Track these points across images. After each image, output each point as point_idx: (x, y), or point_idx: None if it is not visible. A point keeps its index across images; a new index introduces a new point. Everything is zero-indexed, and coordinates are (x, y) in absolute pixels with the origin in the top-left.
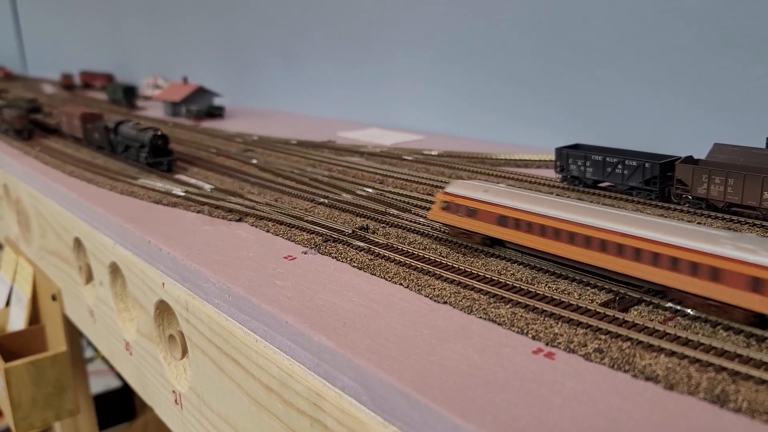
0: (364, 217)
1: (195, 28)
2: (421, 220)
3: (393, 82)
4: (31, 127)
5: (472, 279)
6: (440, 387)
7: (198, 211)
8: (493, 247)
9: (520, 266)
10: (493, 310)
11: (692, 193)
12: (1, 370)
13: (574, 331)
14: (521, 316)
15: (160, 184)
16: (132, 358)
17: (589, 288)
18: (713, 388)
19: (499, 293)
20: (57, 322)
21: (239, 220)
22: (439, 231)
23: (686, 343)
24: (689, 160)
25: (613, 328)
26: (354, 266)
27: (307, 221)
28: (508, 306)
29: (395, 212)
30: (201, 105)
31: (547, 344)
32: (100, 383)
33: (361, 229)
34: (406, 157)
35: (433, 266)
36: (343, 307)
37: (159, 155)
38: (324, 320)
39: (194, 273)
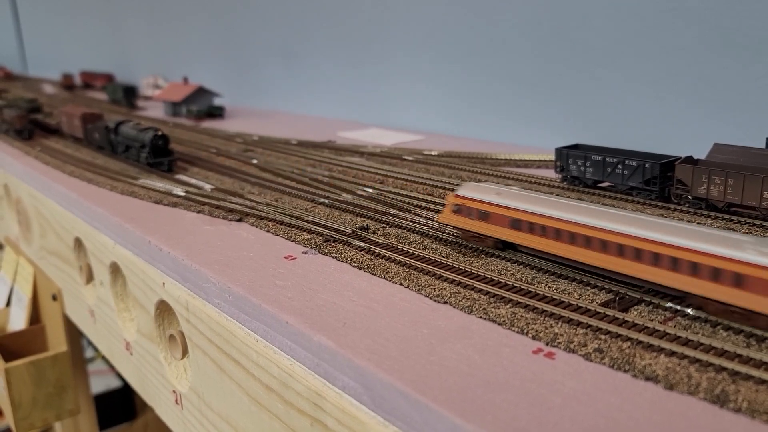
0: (364, 217)
1: (195, 28)
2: (421, 220)
3: (393, 82)
4: (32, 127)
5: (472, 279)
6: (440, 387)
7: (198, 211)
8: (505, 250)
9: (520, 266)
10: (493, 310)
11: (692, 193)
12: (1, 370)
13: (574, 331)
14: (521, 316)
15: (160, 184)
16: (132, 358)
17: (589, 288)
18: (713, 388)
19: (500, 293)
20: (57, 322)
21: (239, 220)
22: (439, 231)
23: (686, 343)
24: (689, 160)
25: (613, 328)
26: (354, 266)
27: (307, 221)
28: (508, 306)
29: (395, 212)
30: (201, 105)
31: (547, 344)
32: (100, 383)
33: (361, 229)
34: (406, 157)
35: (434, 266)
36: (343, 307)
37: (159, 155)
38: (324, 320)
39: (195, 273)
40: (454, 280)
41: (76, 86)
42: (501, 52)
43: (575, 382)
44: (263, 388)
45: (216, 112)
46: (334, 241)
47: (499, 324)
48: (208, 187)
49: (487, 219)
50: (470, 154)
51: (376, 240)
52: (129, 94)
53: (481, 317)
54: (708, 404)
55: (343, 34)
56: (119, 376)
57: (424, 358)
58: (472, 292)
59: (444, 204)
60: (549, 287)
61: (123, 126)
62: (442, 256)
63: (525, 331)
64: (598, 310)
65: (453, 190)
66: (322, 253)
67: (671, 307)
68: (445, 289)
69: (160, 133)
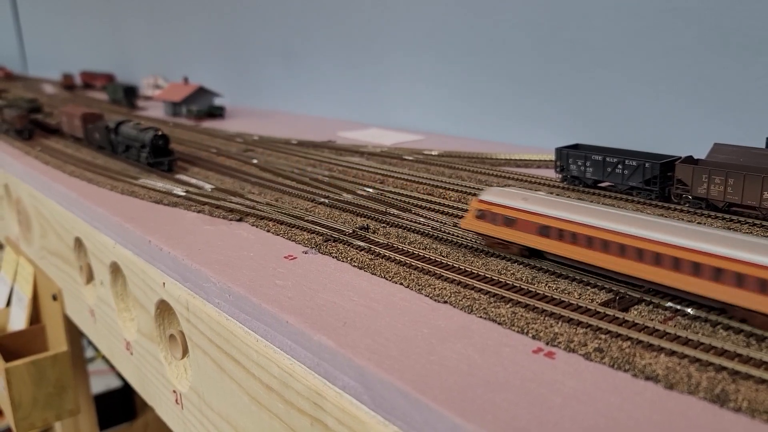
0: (364, 217)
1: (195, 28)
2: (421, 219)
3: (393, 82)
4: (32, 127)
5: (472, 279)
6: (440, 386)
7: (198, 211)
8: (531, 258)
9: (520, 266)
10: (493, 309)
11: (692, 193)
12: (1, 370)
13: (575, 330)
14: (521, 315)
15: (160, 184)
16: (132, 357)
17: (589, 287)
18: (713, 387)
19: (500, 293)
20: (58, 322)
21: (240, 219)
22: (439, 231)
23: (686, 342)
24: (689, 160)
25: (613, 327)
26: (354, 266)
27: (307, 221)
28: (508, 305)
29: (395, 212)
30: (201, 105)
31: (547, 344)
32: (100, 383)
33: (361, 229)
34: (406, 157)
35: (434, 266)
36: (343, 307)
37: (160, 155)
38: (324, 320)
39: (195, 273)
40: (454, 280)
41: (76, 86)
42: (501, 52)
43: (575, 381)
44: (263, 388)
45: (216, 112)
46: (334, 241)
47: (499, 323)
48: (208, 186)
49: (513, 225)
50: (470, 154)
51: (377, 240)
52: (129, 94)
53: (481, 317)
54: (708, 404)
55: (343, 34)
56: (119, 376)
57: (424, 358)
58: (472, 291)
59: (443, 202)
60: (549, 287)
61: (123, 126)
62: (443, 256)
63: (525, 330)
64: (598, 309)
65: (453, 190)
66: (322, 253)
67: (671, 307)
68: (445, 288)
69: (160, 133)
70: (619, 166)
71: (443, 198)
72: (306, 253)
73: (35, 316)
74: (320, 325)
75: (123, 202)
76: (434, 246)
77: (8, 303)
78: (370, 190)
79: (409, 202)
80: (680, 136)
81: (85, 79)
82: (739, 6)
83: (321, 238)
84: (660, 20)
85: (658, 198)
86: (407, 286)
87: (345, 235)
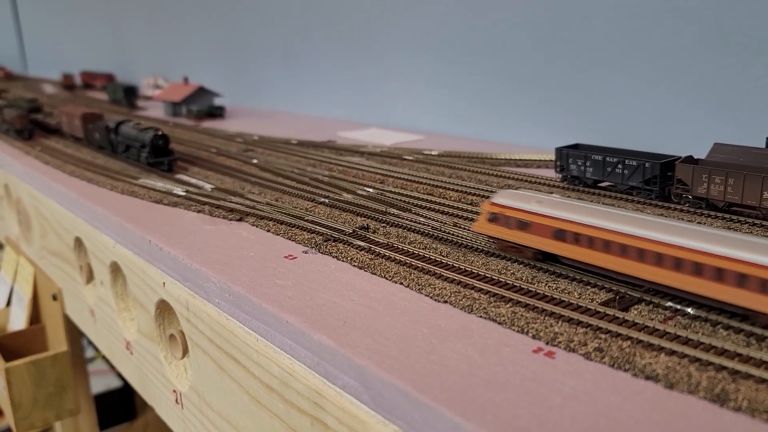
0: (364, 217)
1: (195, 28)
2: (421, 219)
3: (393, 82)
4: (32, 127)
5: (472, 278)
6: (440, 386)
7: (199, 211)
8: (545, 262)
9: (521, 266)
10: (493, 309)
11: (692, 193)
12: (1, 370)
13: (575, 330)
14: (521, 315)
15: (160, 183)
16: (133, 357)
17: (589, 287)
18: (713, 387)
19: (500, 292)
20: (58, 321)
21: (240, 219)
22: (439, 231)
23: (686, 342)
24: (689, 159)
25: (613, 327)
26: (354, 265)
27: (307, 221)
28: (508, 305)
29: (396, 212)
30: (201, 105)
31: (547, 343)
32: (100, 383)
33: (361, 229)
34: (406, 157)
35: (434, 265)
36: (343, 307)
37: (160, 155)
38: (324, 319)
39: (195, 272)
40: (455, 280)
41: (76, 86)
42: (501, 52)
43: (575, 381)
44: (263, 388)
45: (216, 112)
46: (334, 241)
47: (499, 323)
48: (208, 186)
49: (528, 229)
50: (470, 154)
51: (377, 239)
52: (129, 94)
53: (481, 316)
54: (708, 403)
55: (343, 34)
56: (119, 375)
57: (425, 358)
58: (473, 291)
59: (443, 202)
60: (549, 286)
61: (123, 126)
62: (443, 256)
63: (525, 330)
64: (598, 309)
65: (453, 189)
66: (322, 253)
67: (671, 307)
68: (445, 288)
69: (160, 132)
70: (619, 166)
71: (443, 198)
72: (306, 252)
73: (35, 316)
74: (320, 324)
75: (123, 202)
76: (434, 246)
77: (8, 303)
78: (370, 189)
79: (409, 202)
80: (680, 136)
81: (85, 79)
82: (739, 6)
83: (321, 237)
84: (660, 20)
85: (658, 198)
86: (407, 286)
87: (345, 234)
